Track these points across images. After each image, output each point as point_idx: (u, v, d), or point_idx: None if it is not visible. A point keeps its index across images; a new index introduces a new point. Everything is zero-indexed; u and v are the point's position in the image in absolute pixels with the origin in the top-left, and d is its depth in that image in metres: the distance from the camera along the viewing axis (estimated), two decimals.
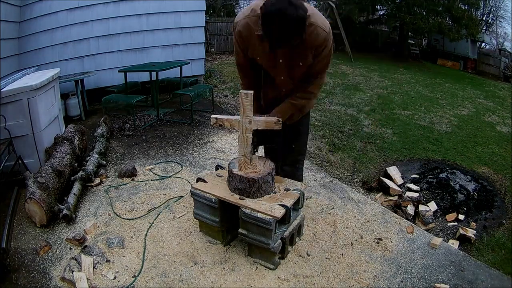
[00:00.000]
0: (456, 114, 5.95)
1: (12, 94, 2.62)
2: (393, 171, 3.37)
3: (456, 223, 2.84)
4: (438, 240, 2.19)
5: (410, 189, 3.21)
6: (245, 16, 1.72)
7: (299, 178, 2.26)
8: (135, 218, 2.35)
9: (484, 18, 18.77)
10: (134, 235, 2.18)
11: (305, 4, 1.57)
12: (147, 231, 2.22)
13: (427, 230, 2.53)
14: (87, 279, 1.78)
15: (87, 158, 3.03)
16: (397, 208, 2.95)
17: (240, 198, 1.87)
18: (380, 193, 3.13)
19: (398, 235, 2.26)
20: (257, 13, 1.61)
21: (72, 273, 1.79)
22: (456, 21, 11.96)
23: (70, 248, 2.05)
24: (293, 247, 2.06)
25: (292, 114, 1.95)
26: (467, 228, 2.67)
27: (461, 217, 2.90)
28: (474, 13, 13.42)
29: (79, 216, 2.36)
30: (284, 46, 1.60)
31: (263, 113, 1.95)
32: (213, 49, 12.11)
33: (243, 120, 1.85)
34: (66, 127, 3.26)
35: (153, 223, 2.30)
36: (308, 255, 2.02)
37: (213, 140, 3.81)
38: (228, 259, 1.97)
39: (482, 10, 17.82)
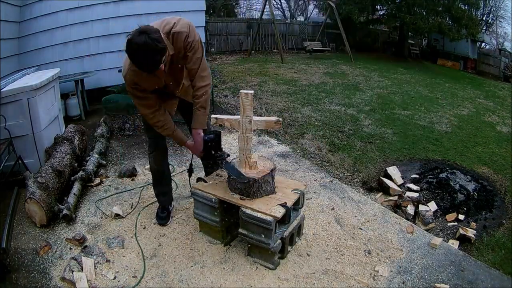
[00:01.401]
0: (456, 114, 5.94)
1: (12, 94, 2.62)
2: (393, 171, 3.37)
3: (456, 223, 2.83)
4: (438, 240, 2.19)
5: (410, 189, 3.21)
6: (129, 67, 1.79)
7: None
8: (135, 218, 2.35)
9: (484, 18, 18.79)
10: (134, 235, 2.18)
11: (174, 18, 1.83)
12: (146, 231, 2.22)
13: (427, 230, 2.53)
14: (87, 279, 1.78)
15: (87, 158, 3.03)
16: (397, 208, 2.95)
17: (240, 198, 1.88)
18: (380, 193, 3.13)
19: (398, 235, 2.26)
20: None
21: (72, 273, 1.79)
22: (456, 21, 11.96)
23: (70, 248, 2.05)
24: (293, 247, 2.06)
25: (206, 117, 2.00)
26: (467, 228, 2.67)
27: (461, 217, 2.90)
28: (474, 13, 13.42)
29: (79, 216, 2.36)
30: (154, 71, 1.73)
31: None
32: (213, 49, 12.11)
33: (243, 120, 1.85)
34: (66, 127, 3.26)
35: (154, 223, 2.31)
36: (308, 255, 2.02)
37: None
38: (228, 259, 1.97)
39: (482, 10, 17.84)
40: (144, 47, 1.58)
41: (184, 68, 1.96)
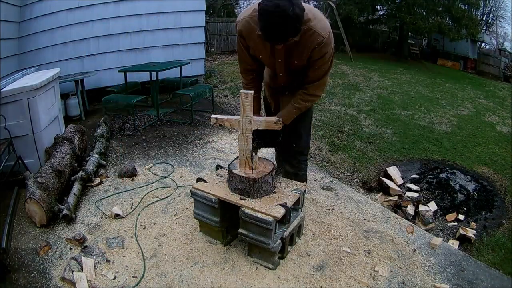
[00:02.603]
0: (456, 114, 5.95)
1: (12, 94, 2.62)
2: (393, 171, 3.37)
3: (456, 223, 2.83)
4: (438, 240, 2.19)
5: (410, 189, 3.21)
6: (246, 16, 1.76)
7: (302, 179, 2.27)
8: (135, 218, 2.35)
9: (484, 18, 18.78)
10: (134, 235, 2.18)
11: (308, 7, 1.64)
12: (146, 231, 2.22)
13: (427, 230, 2.53)
14: (87, 279, 1.78)
15: (87, 158, 3.03)
16: (397, 208, 2.95)
17: (240, 198, 1.88)
18: (380, 193, 3.12)
19: (398, 235, 2.26)
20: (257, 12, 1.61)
21: (72, 273, 1.79)
22: (456, 21, 11.96)
23: (70, 248, 2.05)
24: (293, 247, 2.06)
25: (293, 117, 1.99)
26: (467, 228, 2.67)
27: (461, 217, 2.90)
28: (474, 13, 13.42)
29: (79, 216, 2.36)
30: (278, 43, 1.60)
31: (270, 110, 2.20)
32: (213, 49, 12.11)
33: (243, 120, 1.85)
34: (66, 127, 3.26)
35: (154, 223, 2.31)
36: (308, 255, 2.02)
37: (213, 140, 3.81)
38: (228, 259, 1.98)
39: (482, 10, 17.83)
40: (282, 11, 1.43)
41: (297, 66, 1.82)
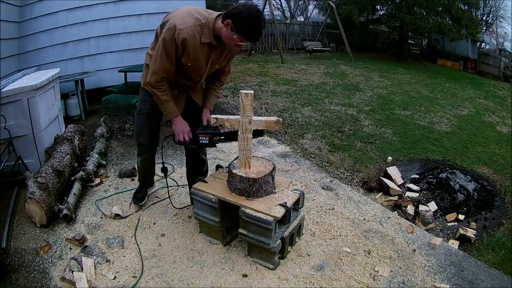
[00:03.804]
0: (456, 114, 5.95)
1: (12, 94, 2.62)
2: (393, 171, 3.37)
3: (456, 223, 2.83)
4: (438, 240, 2.19)
5: (410, 189, 3.21)
6: (190, 25, 1.75)
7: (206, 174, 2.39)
8: (135, 218, 2.35)
9: (484, 18, 18.81)
10: (134, 235, 2.18)
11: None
12: (147, 231, 2.22)
13: (427, 230, 2.53)
14: (87, 279, 1.78)
15: (87, 158, 3.03)
16: (397, 208, 2.95)
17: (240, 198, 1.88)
18: (380, 193, 3.12)
19: (398, 235, 2.26)
20: (201, 23, 1.77)
21: (72, 273, 1.79)
22: (456, 21, 11.97)
23: (70, 248, 2.05)
24: (293, 247, 2.06)
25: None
26: (467, 228, 2.67)
27: (461, 217, 2.90)
28: (474, 13, 13.43)
29: (79, 216, 2.36)
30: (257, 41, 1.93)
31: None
32: None
33: (243, 120, 1.85)
34: (66, 127, 3.26)
35: (154, 223, 2.31)
36: (308, 255, 2.02)
37: None
38: (228, 259, 1.98)
39: (482, 10, 17.86)
40: (261, 15, 1.71)
41: (220, 66, 2.03)
